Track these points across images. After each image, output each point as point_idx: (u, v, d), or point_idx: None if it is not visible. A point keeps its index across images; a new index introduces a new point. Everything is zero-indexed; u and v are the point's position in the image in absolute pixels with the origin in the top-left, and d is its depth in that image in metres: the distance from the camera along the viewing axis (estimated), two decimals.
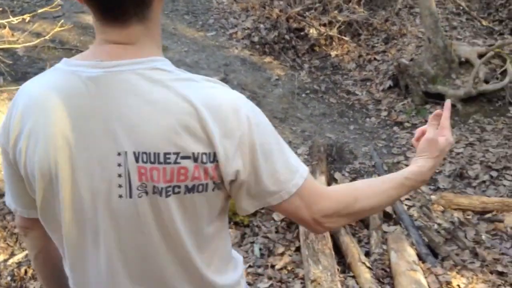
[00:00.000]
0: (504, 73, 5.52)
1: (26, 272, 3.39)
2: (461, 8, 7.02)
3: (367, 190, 1.13)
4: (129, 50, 1.00)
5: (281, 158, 1.05)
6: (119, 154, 0.98)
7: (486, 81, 5.48)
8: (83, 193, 1.01)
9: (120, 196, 1.00)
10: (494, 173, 4.37)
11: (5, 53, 5.41)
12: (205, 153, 0.97)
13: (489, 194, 4.13)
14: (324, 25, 6.70)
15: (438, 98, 5.43)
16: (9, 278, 3.39)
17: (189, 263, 1.08)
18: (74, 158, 1.00)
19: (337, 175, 4.35)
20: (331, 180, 4.26)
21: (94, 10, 1.01)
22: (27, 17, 5.06)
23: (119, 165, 0.98)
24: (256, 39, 6.60)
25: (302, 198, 1.06)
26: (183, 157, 0.97)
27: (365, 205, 1.12)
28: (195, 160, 0.97)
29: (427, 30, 5.67)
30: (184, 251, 1.06)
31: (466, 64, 5.66)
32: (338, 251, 3.40)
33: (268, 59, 6.26)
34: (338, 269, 3.16)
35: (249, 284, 3.08)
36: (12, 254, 3.53)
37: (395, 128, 5.19)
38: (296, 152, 4.51)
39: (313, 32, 6.67)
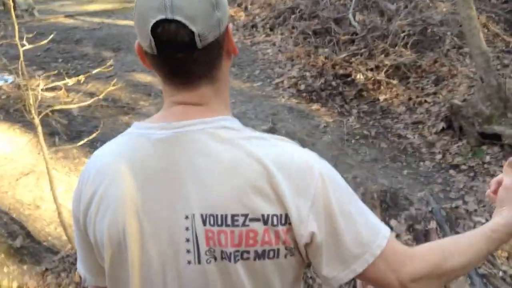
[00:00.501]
0: None
1: None
2: (511, 46, 6.83)
3: (454, 247, 1.04)
4: (198, 110, 0.99)
5: (360, 218, 0.99)
6: (186, 217, 0.96)
7: None
8: (152, 259, 0.99)
9: (189, 262, 0.97)
10: None
11: (60, 114, 5.61)
12: (276, 215, 0.93)
13: None
14: (371, 69, 6.65)
15: (495, 139, 5.21)
16: None
17: None
18: (142, 222, 0.98)
19: (392, 222, 4.18)
20: None
21: (163, 75, 1.01)
22: (81, 78, 5.26)
23: (187, 229, 0.96)
24: (302, 87, 6.61)
25: (387, 260, 0.98)
26: (252, 219, 0.93)
27: (456, 263, 1.01)
28: (265, 222, 0.93)
29: (479, 69, 5.52)
30: None
31: None
32: None
33: (315, 106, 6.24)
34: None
35: None
36: None
37: (451, 171, 4.99)
38: None
39: (360, 77, 6.63)
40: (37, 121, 3.80)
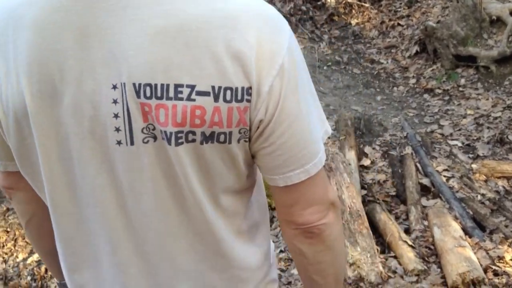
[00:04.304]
0: None
1: (46, 270, 3.25)
2: None
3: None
4: None
5: (315, 113, 0.82)
6: (114, 87, 0.73)
7: None
8: (71, 140, 0.78)
9: (119, 143, 0.76)
10: None
11: None
12: (231, 88, 0.72)
13: None
14: None
15: (470, 61, 5.09)
16: (29, 278, 3.26)
17: (206, 230, 0.85)
18: (56, 93, 0.75)
19: (367, 149, 4.08)
20: (361, 155, 3.99)
21: None
22: None
23: (115, 101, 0.74)
24: None
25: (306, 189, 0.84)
26: (200, 93, 0.71)
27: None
28: (216, 97, 0.72)
29: None
30: (202, 217, 0.82)
31: (498, 22, 5.29)
32: (375, 230, 3.15)
33: None
34: (377, 250, 2.91)
35: (281, 270, 2.86)
36: (32, 253, 3.39)
37: (425, 95, 4.87)
38: None
39: (331, 0, 6.35)
40: None
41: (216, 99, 0.72)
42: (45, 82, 0.75)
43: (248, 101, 0.73)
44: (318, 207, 0.85)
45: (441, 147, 4.06)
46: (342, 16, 6.23)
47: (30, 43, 0.74)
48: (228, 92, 0.72)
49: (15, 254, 3.36)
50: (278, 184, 0.82)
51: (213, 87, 0.72)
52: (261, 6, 0.76)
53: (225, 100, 0.72)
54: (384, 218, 3.17)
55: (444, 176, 3.67)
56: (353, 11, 6.23)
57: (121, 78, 0.72)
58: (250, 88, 0.73)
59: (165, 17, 0.71)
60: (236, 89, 0.72)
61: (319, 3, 6.37)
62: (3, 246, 3.39)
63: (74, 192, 0.83)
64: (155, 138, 0.76)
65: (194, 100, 0.72)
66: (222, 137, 0.76)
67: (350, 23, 6.13)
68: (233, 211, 0.87)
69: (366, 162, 3.90)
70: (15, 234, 3.48)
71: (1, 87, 0.78)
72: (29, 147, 0.81)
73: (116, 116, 0.75)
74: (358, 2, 6.22)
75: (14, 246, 3.41)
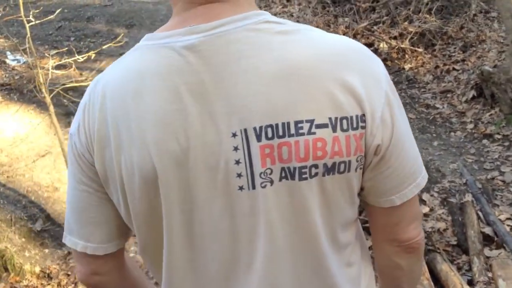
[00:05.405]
0: None
1: None
2: None
3: None
4: (227, 7, 0.80)
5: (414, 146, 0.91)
6: (234, 135, 0.78)
7: None
8: (194, 192, 0.81)
9: (241, 188, 0.80)
10: None
11: (75, 93, 5.45)
12: (346, 117, 0.78)
13: None
14: (395, 38, 6.38)
15: None
16: None
17: (319, 267, 0.87)
18: (181, 150, 0.79)
19: (425, 196, 3.99)
20: (419, 202, 3.90)
21: None
22: (92, 54, 5.06)
23: (236, 149, 0.78)
24: None
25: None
26: (319, 125, 0.77)
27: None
28: (334, 128, 0.78)
29: (510, 33, 5.23)
30: (317, 253, 0.86)
31: None
32: (437, 281, 3.06)
33: None
34: None
35: None
36: None
37: (484, 141, 4.76)
38: None
39: (383, 46, 6.37)
40: (48, 100, 3.66)
41: (334, 129, 0.77)
42: (171, 141, 0.79)
43: (363, 127, 0.79)
44: (418, 222, 0.93)
45: (503, 195, 3.93)
46: (395, 61, 6.23)
47: (153, 107, 0.79)
48: (344, 122, 0.78)
49: None
50: (394, 203, 0.87)
51: (330, 119, 0.77)
52: (356, 43, 0.85)
53: (342, 129, 0.78)
54: (445, 268, 3.08)
55: (508, 225, 3.54)
56: (406, 56, 6.22)
57: (242, 125, 0.77)
58: (364, 115, 0.79)
59: (276, 62, 0.77)
60: (351, 117, 0.78)
61: (371, 48, 6.40)
62: None
63: (191, 240, 0.85)
64: (271, 182, 0.79)
65: (314, 133, 0.77)
66: (342, 167, 0.80)
67: (403, 68, 6.12)
68: (345, 243, 0.91)
69: (424, 209, 3.81)
70: (75, 278, 3.55)
71: (124, 156, 0.81)
72: (155, 208, 0.84)
73: (237, 162, 0.79)
74: (411, 47, 6.21)
75: None
